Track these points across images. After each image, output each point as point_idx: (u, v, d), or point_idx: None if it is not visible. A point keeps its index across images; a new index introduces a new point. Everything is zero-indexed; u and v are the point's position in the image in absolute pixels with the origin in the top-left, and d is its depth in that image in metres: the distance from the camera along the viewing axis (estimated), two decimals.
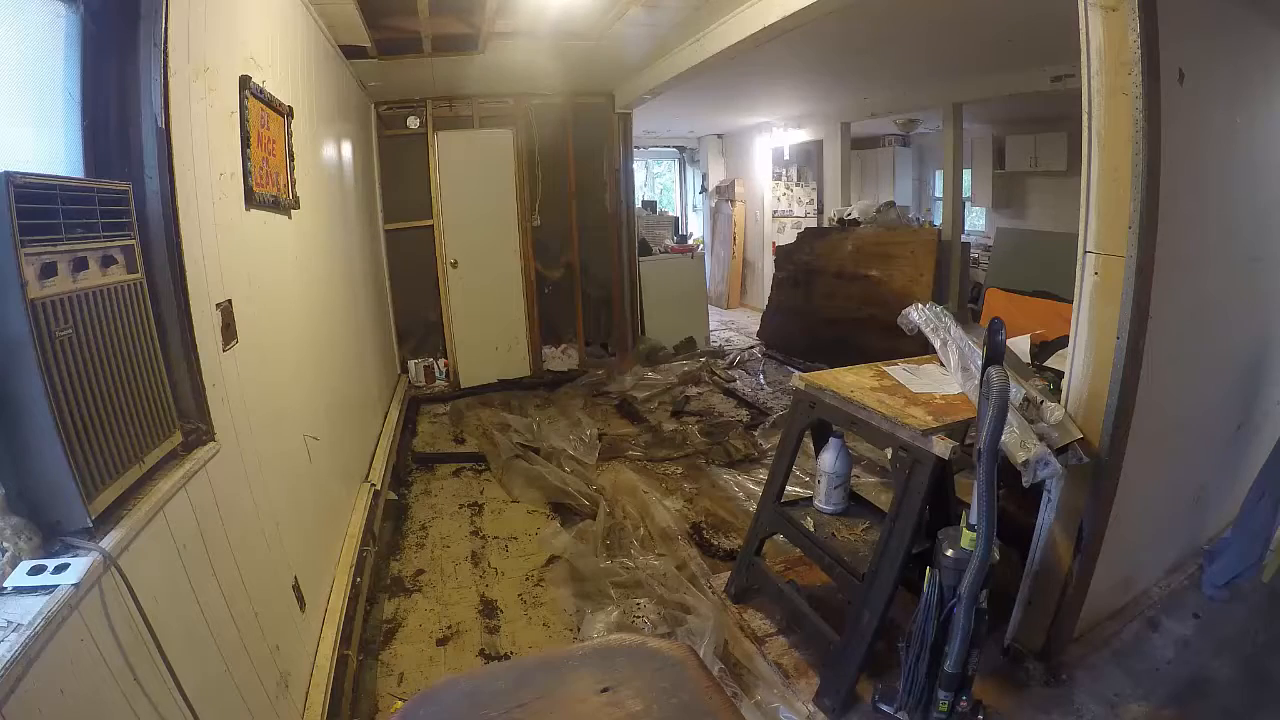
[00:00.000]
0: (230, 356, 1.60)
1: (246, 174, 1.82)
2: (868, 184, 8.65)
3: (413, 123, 5.07)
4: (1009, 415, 1.63)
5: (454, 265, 5.24)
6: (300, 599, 1.90)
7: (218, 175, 1.64)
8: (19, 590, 0.91)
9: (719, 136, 9.06)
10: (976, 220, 8.11)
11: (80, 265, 1.05)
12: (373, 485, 3.10)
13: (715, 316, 7.65)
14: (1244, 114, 2.10)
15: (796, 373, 2.37)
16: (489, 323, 5.40)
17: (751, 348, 6.39)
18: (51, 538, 1.00)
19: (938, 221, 6.45)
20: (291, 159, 2.24)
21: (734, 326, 7.72)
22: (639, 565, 2.69)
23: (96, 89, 1.28)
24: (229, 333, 1.60)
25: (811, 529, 2.26)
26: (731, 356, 6.00)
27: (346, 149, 3.82)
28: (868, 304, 5.26)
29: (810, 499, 2.43)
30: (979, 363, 1.95)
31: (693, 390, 5.11)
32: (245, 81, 1.81)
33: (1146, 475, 1.99)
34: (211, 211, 1.57)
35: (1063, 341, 2.67)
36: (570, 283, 5.69)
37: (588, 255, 5.74)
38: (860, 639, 1.91)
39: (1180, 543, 2.49)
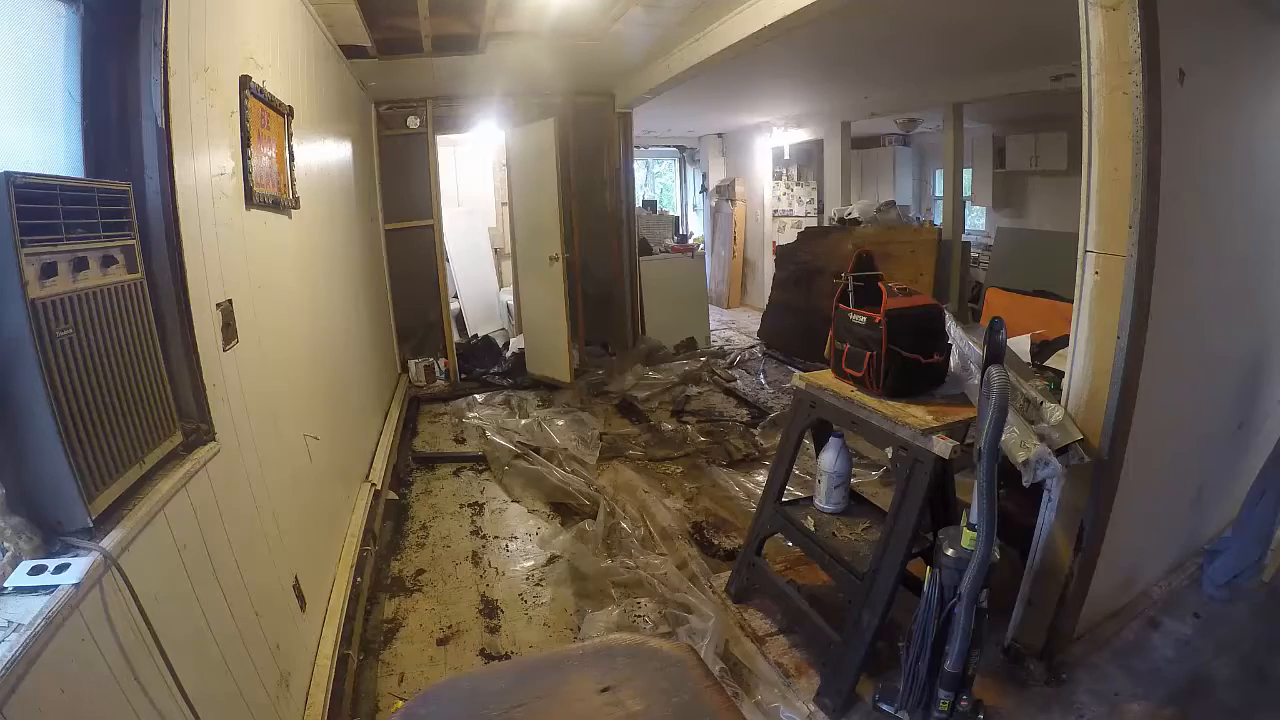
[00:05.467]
0: (230, 356, 1.60)
1: (246, 174, 1.82)
2: (868, 183, 8.65)
3: (413, 123, 5.07)
4: (1009, 415, 1.63)
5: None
6: (301, 598, 1.90)
7: (218, 175, 1.64)
8: (19, 590, 0.90)
9: (719, 136, 9.06)
10: (977, 220, 8.11)
11: (80, 265, 1.05)
12: (373, 485, 3.11)
13: (715, 316, 7.65)
14: (1244, 113, 2.10)
15: (797, 372, 2.37)
16: None
17: (752, 347, 6.39)
18: (52, 538, 1.00)
19: (938, 221, 6.46)
20: (291, 159, 2.24)
21: (734, 326, 7.72)
22: (639, 565, 2.69)
23: (96, 89, 1.28)
24: (229, 332, 1.61)
25: (812, 528, 2.26)
26: (732, 356, 6.01)
27: (346, 149, 3.82)
28: None
29: (810, 498, 2.43)
30: (979, 362, 1.96)
31: (693, 390, 5.10)
32: (245, 81, 1.81)
33: (1146, 475, 1.99)
34: (211, 211, 1.57)
35: (1063, 341, 2.67)
36: (570, 282, 5.69)
37: (588, 255, 5.74)
38: (861, 638, 1.92)
39: (1180, 542, 2.49)
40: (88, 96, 1.26)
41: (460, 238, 6.75)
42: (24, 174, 0.93)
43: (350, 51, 3.64)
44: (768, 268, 8.22)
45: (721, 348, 6.37)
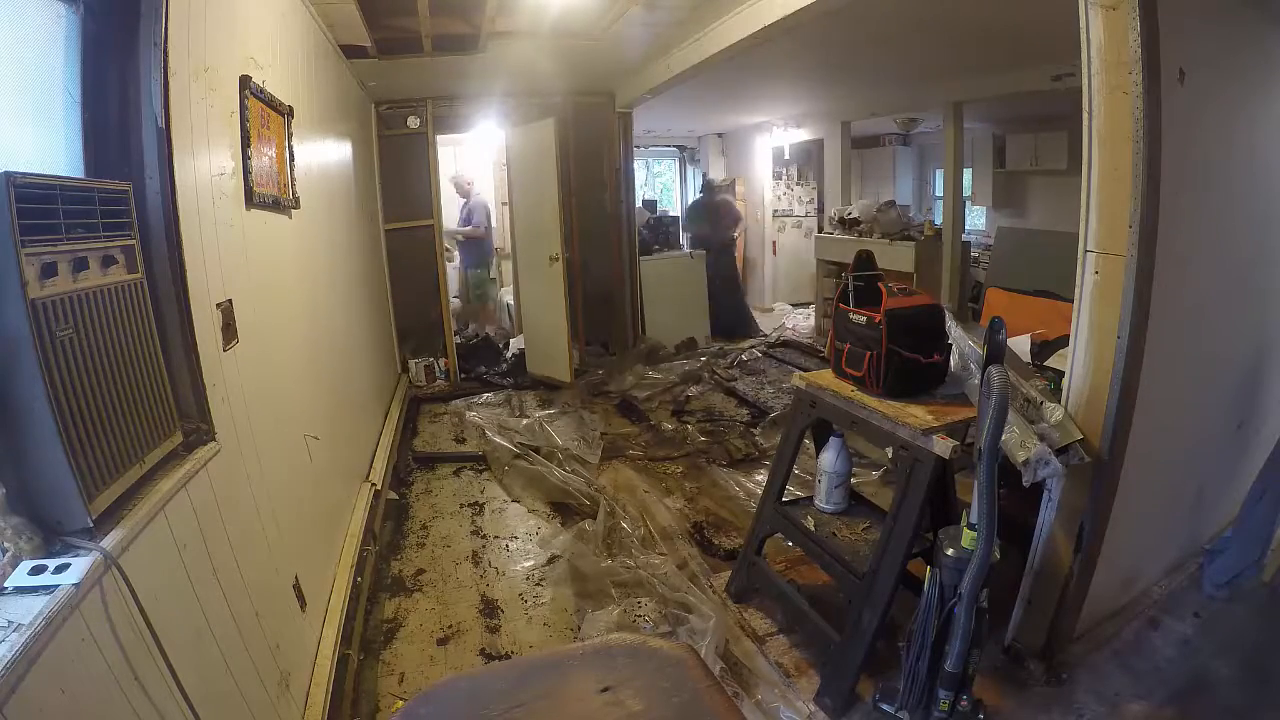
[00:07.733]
0: (230, 356, 1.60)
1: (246, 174, 1.82)
2: (868, 183, 8.65)
3: (413, 122, 5.07)
4: (1009, 415, 1.63)
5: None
6: (301, 598, 1.90)
7: (218, 175, 1.64)
8: (20, 590, 0.91)
9: (719, 136, 9.05)
10: (977, 219, 8.10)
11: (80, 265, 1.05)
12: (373, 484, 3.11)
13: None
14: (1244, 113, 2.10)
15: (797, 372, 2.37)
16: None
17: (752, 346, 6.38)
18: (52, 538, 1.00)
19: (938, 220, 6.46)
20: (291, 159, 2.24)
21: None
22: (640, 564, 2.69)
23: (97, 89, 1.28)
24: (229, 332, 1.61)
25: (812, 528, 2.26)
26: (732, 356, 6.00)
27: (346, 149, 3.82)
28: None
29: (810, 498, 2.43)
30: (979, 362, 1.96)
31: (693, 389, 5.10)
32: (245, 81, 1.81)
33: (1146, 475, 1.99)
34: (211, 211, 1.57)
35: (1063, 341, 2.67)
36: (570, 282, 5.69)
37: (588, 255, 5.74)
38: (861, 638, 1.92)
39: (1180, 542, 2.48)
40: (88, 96, 1.26)
41: None
42: (24, 174, 0.93)
43: (350, 51, 3.63)
44: (768, 267, 8.23)
45: (722, 347, 6.37)
